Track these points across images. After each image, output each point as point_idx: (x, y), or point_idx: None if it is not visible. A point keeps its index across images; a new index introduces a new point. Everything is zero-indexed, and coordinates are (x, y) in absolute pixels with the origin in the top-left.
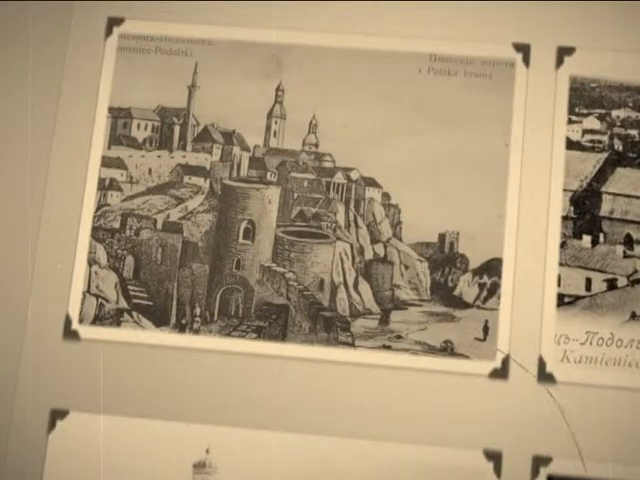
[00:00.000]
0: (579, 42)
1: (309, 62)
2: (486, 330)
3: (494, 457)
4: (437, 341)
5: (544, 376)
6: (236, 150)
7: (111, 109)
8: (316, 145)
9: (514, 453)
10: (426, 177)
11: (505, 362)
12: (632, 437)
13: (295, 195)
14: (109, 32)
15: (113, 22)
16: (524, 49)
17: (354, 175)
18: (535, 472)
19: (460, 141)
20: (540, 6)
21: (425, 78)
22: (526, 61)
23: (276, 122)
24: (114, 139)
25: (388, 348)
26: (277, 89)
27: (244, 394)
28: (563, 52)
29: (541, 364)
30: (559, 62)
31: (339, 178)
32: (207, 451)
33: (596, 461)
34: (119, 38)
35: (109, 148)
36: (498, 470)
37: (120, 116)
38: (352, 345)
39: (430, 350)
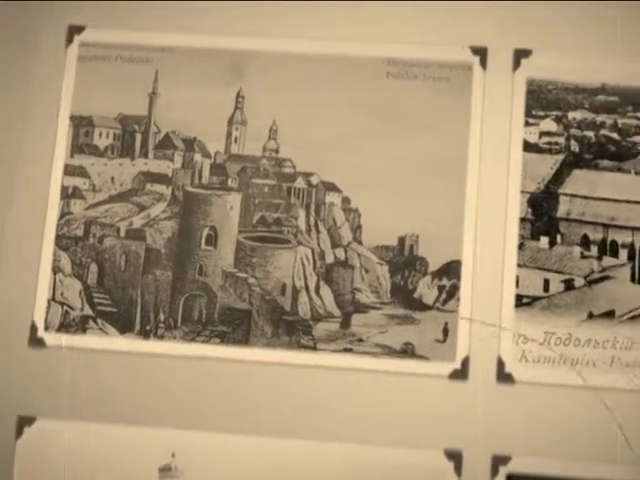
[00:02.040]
0: (536, 44)
1: (269, 68)
2: (446, 332)
3: (454, 457)
4: (398, 343)
5: (503, 376)
6: (197, 157)
7: (73, 117)
8: (276, 151)
9: (474, 453)
10: (385, 181)
11: (465, 363)
12: (590, 435)
13: (256, 201)
14: (70, 40)
15: (74, 30)
16: (481, 52)
17: (314, 180)
18: (495, 471)
19: (419, 145)
20: (497, 9)
21: (383, 82)
22: (483, 64)
23: (237, 128)
24: (76, 147)
25: (349, 351)
26: (237, 95)
27: (208, 399)
28: (520, 55)
29: (500, 364)
30: (516, 65)
31: (299, 183)
32: (173, 455)
33: (556, 459)
34: (80, 46)
35: (72, 156)
36: (458, 470)
37: (82, 124)
38: (314, 348)
39: (391, 352)
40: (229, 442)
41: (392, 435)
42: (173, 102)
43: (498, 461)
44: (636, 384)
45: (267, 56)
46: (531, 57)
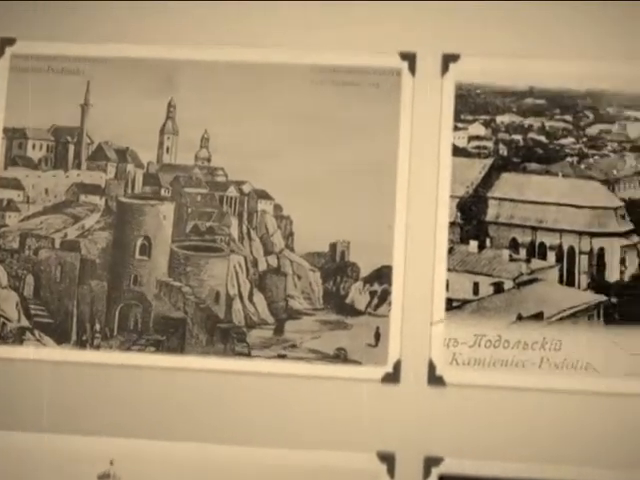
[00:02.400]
0: (464, 49)
1: (199, 77)
2: (378, 336)
3: (387, 459)
4: (330, 348)
5: (434, 379)
6: (130, 167)
7: (6, 130)
8: (208, 160)
9: (406, 454)
10: (317, 188)
11: (397, 366)
12: (521, 435)
13: (189, 210)
14: (1, 52)
15: (5, 42)
16: (410, 58)
17: (246, 188)
18: (427, 472)
19: (349, 151)
20: (425, 14)
21: (314, 89)
22: (412, 69)
23: (168, 138)
24: (10, 160)
25: (283, 357)
26: (169, 105)
27: (145, 406)
28: (448, 59)
29: (431, 367)
30: (444, 69)
31: (232, 192)
32: (111, 463)
33: (488, 460)
34: (11, 58)
35: (5, 169)
36: (391, 471)
37: (15, 137)
38: (248, 355)
39: (324, 357)
40: (166, 449)
41: (326, 439)
42: (105, 113)
43: (430, 462)
44: None
45: (197, 65)
46: (459, 62)
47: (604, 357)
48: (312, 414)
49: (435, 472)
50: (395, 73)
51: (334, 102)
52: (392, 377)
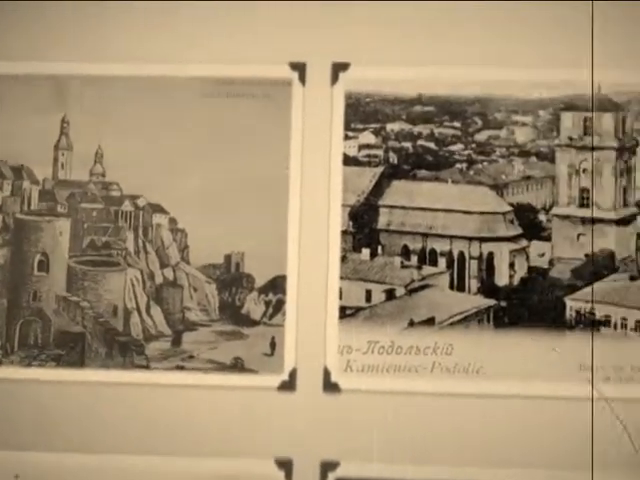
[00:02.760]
0: (353, 58)
1: (92, 92)
2: (273, 345)
3: (285, 465)
4: (227, 358)
5: (329, 386)
6: (26, 184)
7: None
8: (103, 175)
9: (303, 460)
10: (210, 200)
11: (292, 374)
12: (414, 439)
13: (85, 225)
14: None
15: None
16: (300, 68)
17: (141, 202)
18: (324, 477)
19: (242, 162)
20: (315, 24)
21: (206, 102)
22: (302, 79)
23: (63, 154)
24: None
25: (182, 368)
26: (62, 121)
27: (48, 420)
28: (338, 68)
29: (326, 374)
30: (334, 79)
31: (127, 206)
32: (16, 477)
33: (383, 463)
34: None
35: None
36: (289, 477)
37: None
38: (147, 367)
39: (221, 367)
40: (70, 461)
41: (225, 446)
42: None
43: (327, 467)
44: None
45: (89, 80)
46: (349, 71)
47: (495, 360)
48: (211, 423)
49: (332, 476)
50: (286, 83)
51: (226, 114)
52: (288, 385)
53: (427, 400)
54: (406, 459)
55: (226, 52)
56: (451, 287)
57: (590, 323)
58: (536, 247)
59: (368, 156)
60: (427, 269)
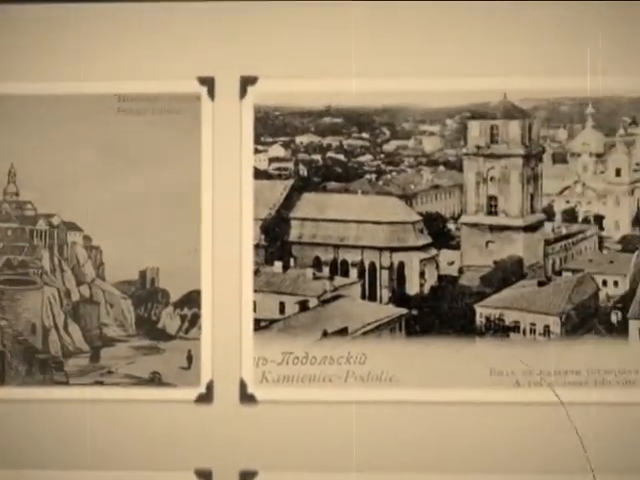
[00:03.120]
0: (261, 71)
1: (4, 111)
2: (190, 359)
3: (205, 475)
4: (145, 373)
5: (246, 397)
6: None
7: None
8: (17, 194)
9: (223, 470)
10: (124, 217)
11: (210, 387)
12: (330, 447)
13: (1, 245)
14: None
15: None
16: (208, 82)
17: (55, 220)
18: None
19: (154, 178)
20: (223, 39)
21: (116, 119)
22: (211, 94)
23: None
24: None
25: (101, 383)
26: None
27: None
28: (246, 82)
29: (242, 386)
30: (243, 93)
31: (41, 225)
32: None
33: (300, 471)
34: None
35: None
36: None
37: None
38: (67, 383)
39: (139, 382)
40: None
41: (145, 459)
42: None
43: (246, 476)
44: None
45: (2, 100)
46: (257, 84)
47: (407, 368)
48: (131, 436)
49: None
50: (195, 98)
51: (137, 130)
52: (205, 397)
53: (342, 409)
54: (322, 467)
55: (135, 68)
56: (363, 297)
57: (500, 329)
58: (445, 255)
59: (278, 169)
60: (339, 280)
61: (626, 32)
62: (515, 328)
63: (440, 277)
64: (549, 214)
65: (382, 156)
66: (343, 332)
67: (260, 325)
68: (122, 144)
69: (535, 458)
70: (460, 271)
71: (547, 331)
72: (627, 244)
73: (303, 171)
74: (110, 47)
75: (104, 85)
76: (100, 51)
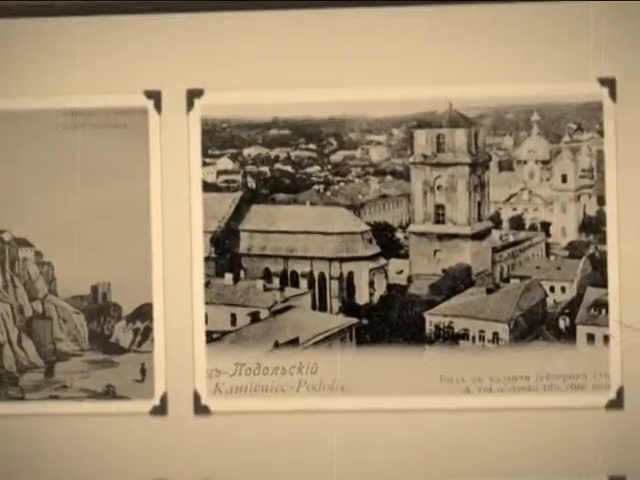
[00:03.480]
0: (207, 84)
1: None
2: (144, 372)
3: None
4: (100, 386)
5: (200, 409)
6: None
7: None
8: None
9: (181, 478)
10: (74, 232)
11: (163, 399)
12: (285, 457)
13: None
14: None
15: None
16: (155, 96)
17: (6, 237)
18: None
19: (103, 193)
20: (168, 51)
21: (65, 134)
22: (158, 108)
23: None
24: None
25: (55, 398)
26: None
27: None
28: (192, 95)
29: (196, 398)
30: (190, 105)
31: None
32: None
33: None
34: None
35: None
36: None
37: None
38: (22, 398)
39: (94, 395)
40: None
41: (101, 473)
42: None
43: None
44: None
45: None
46: (203, 97)
47: (358, 377)
48: (87, 450)
49: None
50: (142, 112)
51: (85, 145)
52: (160, 409)
53: (294, 418)
54: (276, 476)
55: (81, 83)
56: (313, 307)
57: (449, 337)
58: (394, 265)
59: (227, 182)
60: (289, 291)
61: (571, 36)
62: (464, 335)
63: (389, 286)
64: (496, 222)
65: (329, 167)
66: (294, 342)
67: (212, 337)
68: (71, 159)
69: (486, 464)
70: (409, 280)
71: (496, 338)
72: (574, 250)
73: (251, 183)
74: (56, 62)
75: (51, 101)
76: (47, 67)
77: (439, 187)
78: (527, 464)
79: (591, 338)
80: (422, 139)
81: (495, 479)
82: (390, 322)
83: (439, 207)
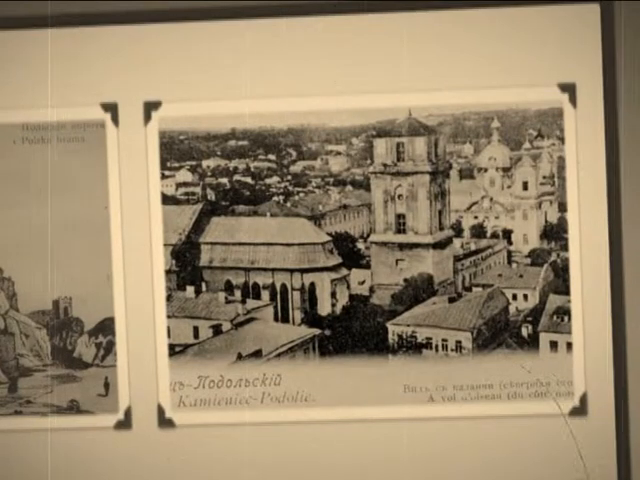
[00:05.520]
0: (165, 96)
1: None
2: (107, 386)
3: None
4: (64, 401)
5: (164, 422)
6: None
7: None
8: None
9: None
10: (34, 247)
11: (128, 413)
12: (250, 468)
13: None
14: None
15: None
16: (112, 108)
17: None
18: None
19: (62, 208)
20: (125, 63)
21: (21, 148)
22: (115, 120)
23: None
24: None
25: (20, 413)
26: None
27: None
28: (150, 107)
29: (160, 411)
30: (147, 118)
31: None
32: None
33: None
34: None
35: None
36: None
37: None
38: None
39: (58, 410)
40: None
41: None
42: None
43: None
44: None
45: None
46: (161, 109)
47: (322, 388)
48: (52, 465)
49: None
50: (99, 125)
51: (42, 159)
52: (124, 424)
53: (259, 430)
54: None
55: (36, 96)
56: (276, 319)
57: (413, 346)
58: (356, 275)
59: (186, 194)
60: (251, 303)
61: (530, 42)
62: (427, 344)
63: (352, 297)
64: (458, 230)
65: (289, 177)
66: (257, 354)
67: (175, 350)
68: (28, 174)
69: (450, 473)
70: (371, 290)
71: (459, 346)
72: (536, 258)
73: (211, 195)
74: (12, 75)
75: (6, 114)
76: (1, 79)
77: (400, 196)
78: (492, 472)
79: (554, 345)
80: (382, 148)
81: None
82: (353, 332)
83: (400, 216)
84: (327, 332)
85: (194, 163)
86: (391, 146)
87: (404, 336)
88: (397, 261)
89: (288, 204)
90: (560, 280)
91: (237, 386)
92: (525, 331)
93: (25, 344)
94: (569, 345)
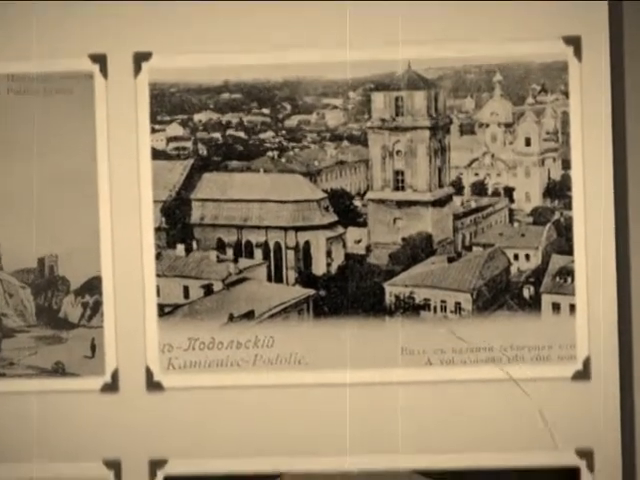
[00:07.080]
0: (156, 47)
1: None
2: (94, 347)
3: (113, 465)
4: (48, 363)
5: (152, 385)
6: None
7: None
8: None
9: (132, 459)
10: (18, 203)
11: (115, 376)
12: (242, 432)
13: None
14: None
15: None
16: (100, 59)
17: None
18: (153, 474)
19: (47, 162)
20: (114, 13)
21: (6, 100)
22: (104, 72)
23: None
24: None
25: (3, 375)
26: None
27: None
28: (140, 58)
29: (149, 374)
30: (137, 69)
31: None
32: None
33: (212, 458)
34: None
35: None
36: (118, 476)
37: None
38: None
39: (43, 373)
40: None
41: (51, 451)
42: None
43: (155, 465)
44: None
45: None
46: (151, 60)
47: (316, 350)
48: (36, 428)
49: (160, 474)
50: (87, 77)
51: (28, 112)
52: (111, 386)
53: (251, 393)
54: (232, 453)
55: (21, 47)
56: (269, 279)
57: (410, 307)
58: (352, 233)
59: (177, 149)
60: (243, 262)
61: None
62: (425, 306)
63: (347, 256)
64: (458, 188)
65: (284, 132)
66: (249, 315)
67: (164, 311)
68: (13, 127)
69: (448, 437)
70: (368, 249)
71: (458, 308)
72: (538, 216)
73: (203, 150)
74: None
75: None
76: None
77: (398, 152)
78: (492, 437)
79: (557, 307)
80: (380, 102)
81: (459, 453)
82: (349, 293)
83: (398, 173)
84: (322, 292)
85: (185, 117)
86: (389, 100)
87: (401, 297)
88: (395, 219)
89: (282, 160)
90: (563, 239)
91: (228, 348)
92: (527, 292)
93: (9, 304)
94: (572, 307)
